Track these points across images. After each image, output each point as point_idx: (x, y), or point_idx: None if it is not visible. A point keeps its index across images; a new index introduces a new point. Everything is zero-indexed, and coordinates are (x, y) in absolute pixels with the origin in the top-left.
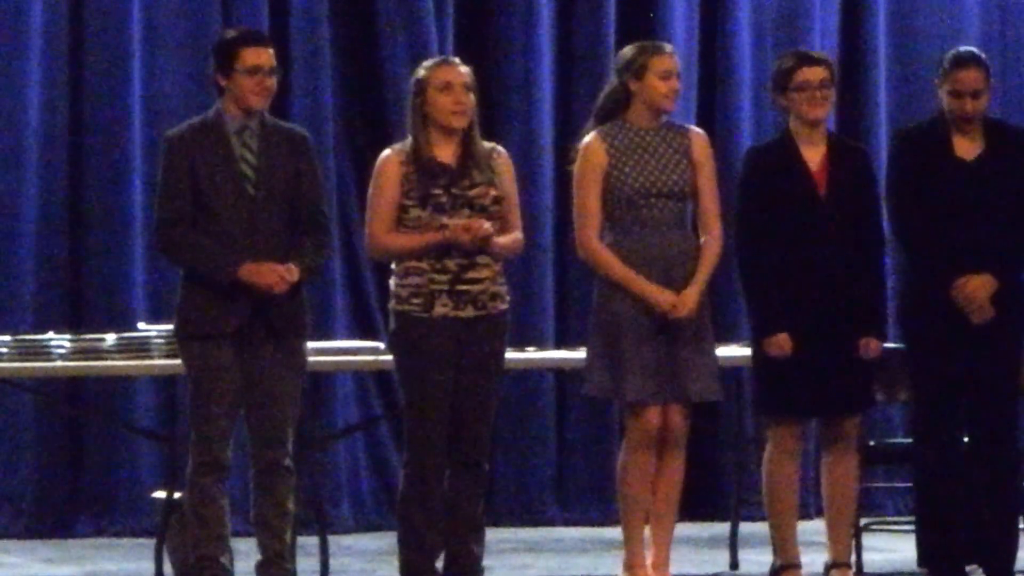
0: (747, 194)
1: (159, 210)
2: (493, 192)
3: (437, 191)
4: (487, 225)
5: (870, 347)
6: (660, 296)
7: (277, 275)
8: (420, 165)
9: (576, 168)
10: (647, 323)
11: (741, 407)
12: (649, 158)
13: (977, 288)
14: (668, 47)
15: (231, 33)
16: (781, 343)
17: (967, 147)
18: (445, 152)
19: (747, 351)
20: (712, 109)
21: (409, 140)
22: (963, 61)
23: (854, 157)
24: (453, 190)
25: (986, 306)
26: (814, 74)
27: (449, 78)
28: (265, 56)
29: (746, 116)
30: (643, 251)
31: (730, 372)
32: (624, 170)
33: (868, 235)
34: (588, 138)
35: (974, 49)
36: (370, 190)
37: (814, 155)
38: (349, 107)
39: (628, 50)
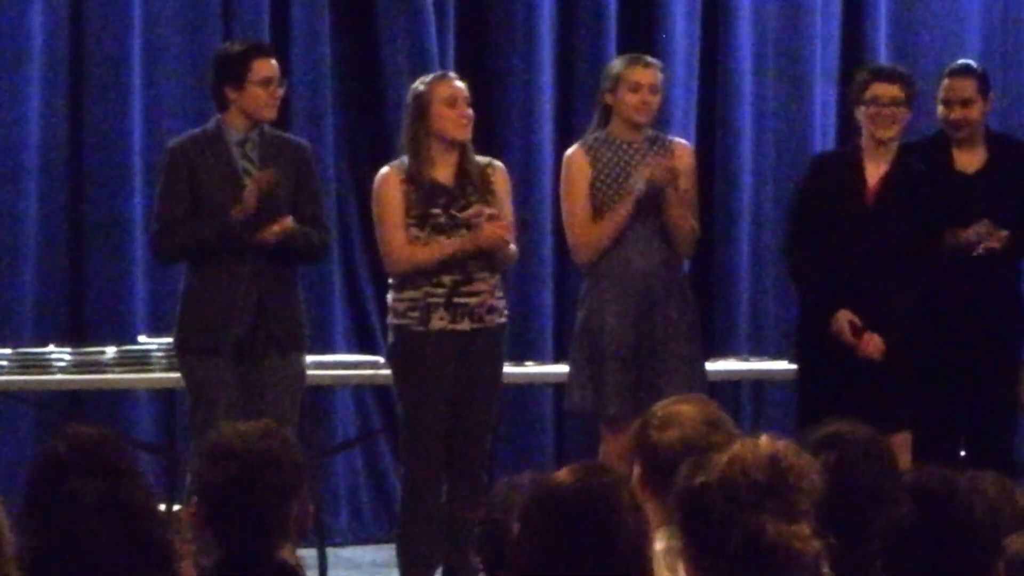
0: (799, 199)
1: (157, 218)
2: (488, 211)
3: (436, 211)
4: (487, 210)
5: (870, 343)
6: (644, 172)
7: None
8: (419, 185)
9: (562, 179)
10: (629, 334)
11: (739, 422)
12: (631, 172)
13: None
14: (648, 60)
15: (238, 46)
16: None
17: (968, 160)
18: (444, 170)
19: (743, 366)
20: (713, 124)
21: (405, 159)
22: (955, 71)
23: (920, 178)
24: (451, 210)
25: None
26: (885, 90)
27: (454, 92)
28: (273, 67)
29: (747, 132)
30: (623, 264)
31: (728, 386)
32: (606, 180)
33: (913, 254)
34: (571, 151)
35: (970, 61)
36: (376, 209)
37: (876, 170)
38: (349, 121)
39: (613, 62)
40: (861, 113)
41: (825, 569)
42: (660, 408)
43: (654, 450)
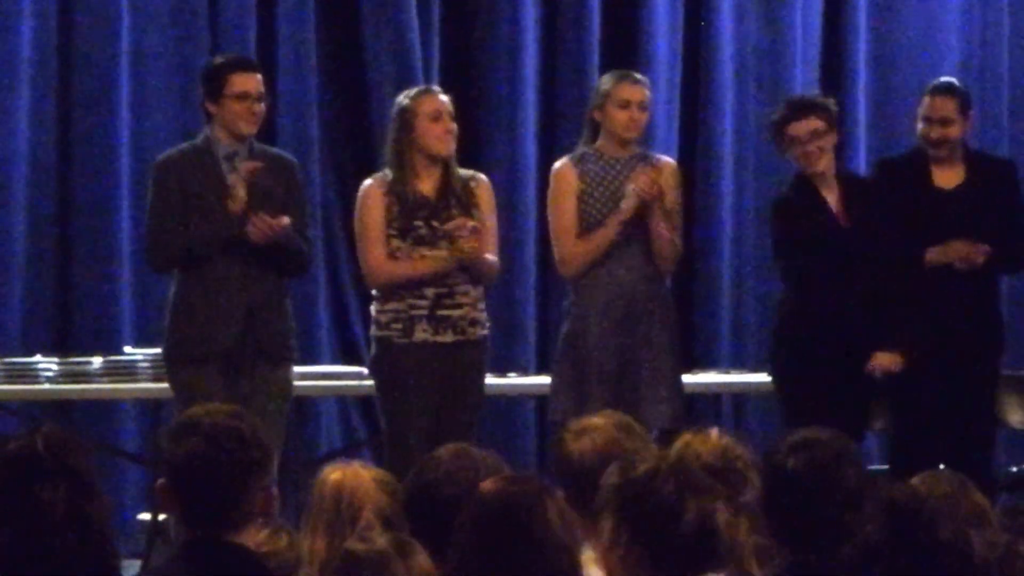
0: (782, 241)
1: (150, 231)
2: (471, 223)
3: (418, 223)
4: (470, 223)
5: (878, 363)
6: (632, 187)
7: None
8: (401, 198)
9: (550, 193)
10: (613, 347)
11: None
12: (617, 188)
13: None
14: (635, 76)
15: (219, 60)
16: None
17: (947, 177)
18: (427, 183)
19: (724, 378)
20: (694, 141)
21: (387, 171)
22: (936, 89)
23: (866, 190)
24: (433, 222)
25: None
26: (802, 128)
27: (439, 107)
28: (253, 82)
29: (728, 148)
30: (608, 278)
31: (709, 398)
32: (594, 195)
33: (887, 265)
34: (559, 164)
35: (952, 80)
36: (357, 223)
37: (831, 195)
38: (335, 134)
39: (602, 79)
40: (790, 156)
41: (755, 569)
42: (573, 424)
43: (569, 461)
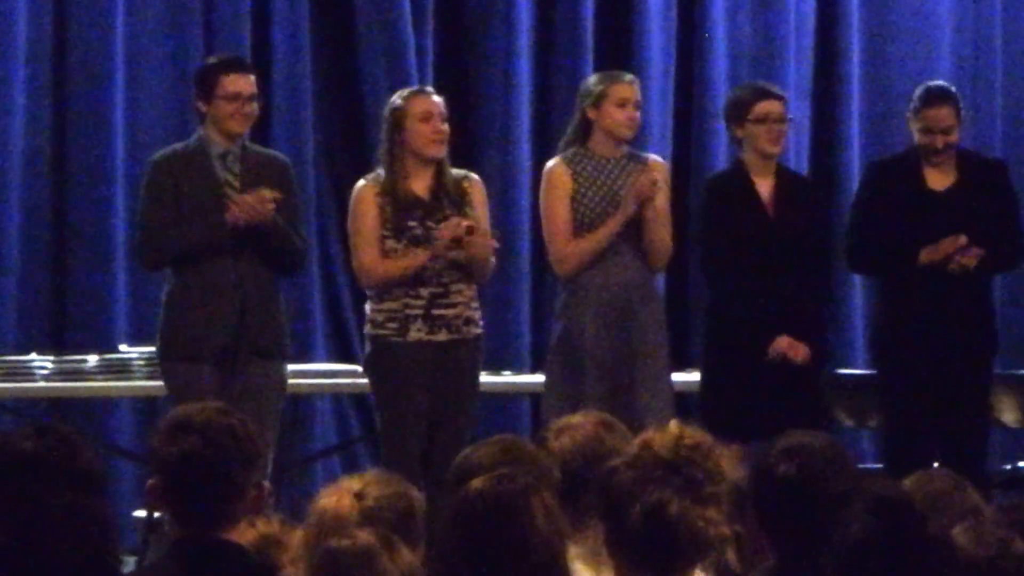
0: (707, 222)
1: (142, 226)
2: (465, 223)
3: (412, 223)
4: (465, 222)
5: (796, 350)
6: (631, 190)
7: (257, 198)
8: (395, 198)
9: (542, 193)
10: (607, 346)
11: None
12: (610, 187)
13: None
14: (628, 76)
15: (212, 60)
16: (781, 344)
17: (939, 178)
18: (420, 183)
19: None
20: (688, 143)
21: (381, 171)
22: (933, 99)
23: (802, 187)
24: (428, 222)
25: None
26: (774, 108)
27: (429, 108)
28: (245, 83)
29: (722, 149)
30: (601, 277)
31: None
32: (587, 195)
33: (816, 259)
34: (551, 163)
35: (945, 84)
36: (350, 223)
37: (764, 185)
38: (330, 135)
39: (590, 79)
40: (747, 131)
41: (730, 556)
42: (554, 422)
43: (550, 459)
